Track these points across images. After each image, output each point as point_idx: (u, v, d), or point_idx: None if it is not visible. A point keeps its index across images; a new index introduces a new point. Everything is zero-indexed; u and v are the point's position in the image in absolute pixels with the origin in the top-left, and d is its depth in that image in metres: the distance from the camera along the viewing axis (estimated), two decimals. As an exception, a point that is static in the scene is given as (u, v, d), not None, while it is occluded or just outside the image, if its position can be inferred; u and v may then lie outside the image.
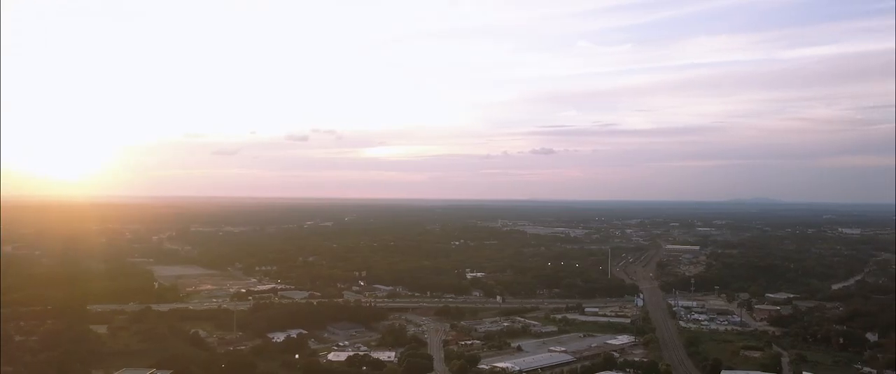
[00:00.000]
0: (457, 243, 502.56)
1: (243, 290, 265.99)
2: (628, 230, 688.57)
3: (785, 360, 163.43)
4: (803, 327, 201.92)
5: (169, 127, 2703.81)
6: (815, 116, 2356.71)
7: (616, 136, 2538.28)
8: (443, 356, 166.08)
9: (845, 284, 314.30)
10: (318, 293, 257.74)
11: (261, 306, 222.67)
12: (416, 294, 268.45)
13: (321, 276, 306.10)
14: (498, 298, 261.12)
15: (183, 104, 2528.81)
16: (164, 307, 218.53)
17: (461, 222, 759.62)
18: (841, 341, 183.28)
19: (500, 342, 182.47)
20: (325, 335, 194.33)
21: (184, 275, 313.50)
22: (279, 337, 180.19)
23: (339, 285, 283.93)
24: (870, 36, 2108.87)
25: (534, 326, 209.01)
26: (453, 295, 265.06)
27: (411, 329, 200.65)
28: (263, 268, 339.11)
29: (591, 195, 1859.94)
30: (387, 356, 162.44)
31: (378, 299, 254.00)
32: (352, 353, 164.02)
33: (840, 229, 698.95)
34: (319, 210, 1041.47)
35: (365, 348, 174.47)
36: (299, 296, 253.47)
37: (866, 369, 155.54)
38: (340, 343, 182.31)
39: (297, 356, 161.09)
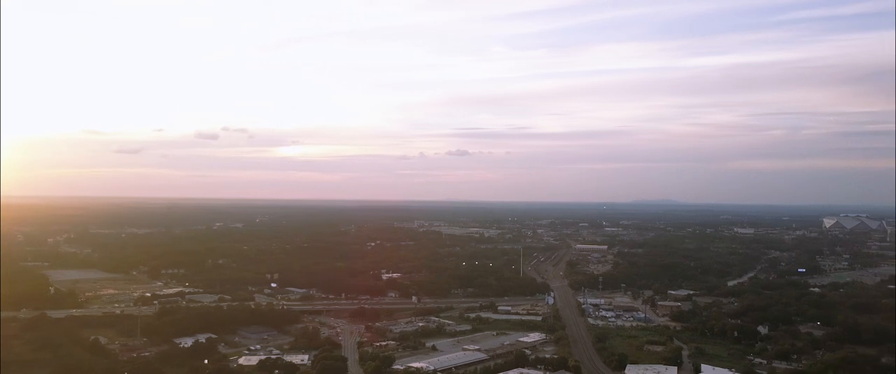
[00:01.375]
0: (372, 244, 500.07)
1: (148, 294, 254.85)
2: (540, 230, 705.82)
3: (685, 353, 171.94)
4: (702, 321, 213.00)
5: (65, 122, 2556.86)
6: (713, 122, 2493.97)
7: (529, 139, 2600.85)
8: (357, 357, 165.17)
9: (740, 280, 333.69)
10: (228, 297, 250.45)
11: (167, 311, 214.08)
12: (331, 296, 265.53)
13: (231, 279, 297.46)
14: (413, 298, 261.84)
15: (81, 98, 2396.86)
16: (60, 314, 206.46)
17: (377, 223, 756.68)
18: (736, 334, 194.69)
19: (415, 343, 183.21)
20: (236, 339, 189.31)
21: (83, 279, 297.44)
22: (187, 342, 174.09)
23: (250, 289, 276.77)
24: (765, 48, 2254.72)
25: (448, 325, 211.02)
26: (369, 297, 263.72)
27: (325, 332, 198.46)
28: (170, 271, 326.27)
29: (506, 196, 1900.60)
30: (300, 359, 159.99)
31: (291, 302, 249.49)
32: (264, 357, 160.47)
33: (735, 229, 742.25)
34: (230, 211, 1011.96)
35: (277, 351, 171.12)
36: (208, 300, 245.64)
37: (758, 359, 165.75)
38: (252, 347, 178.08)
39: (206, 361, 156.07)
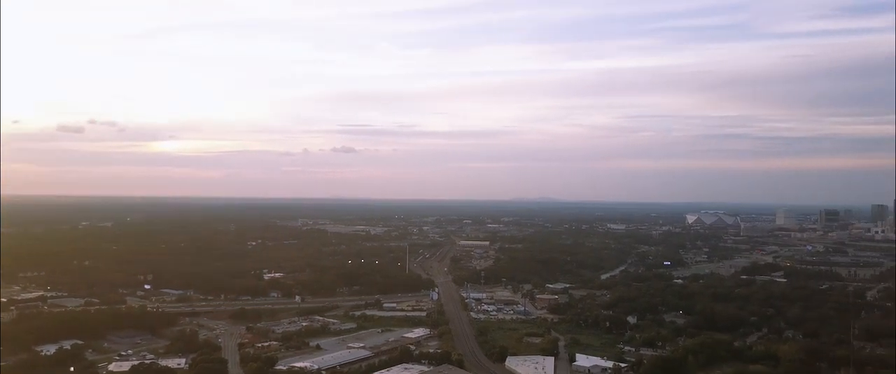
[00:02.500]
0: (254, 243, 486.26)
1: (4, 299, 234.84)
2: (426, 228, 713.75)
3: (561, 344, 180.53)
4: (577, 313, 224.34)
5: None
6: (590, 123, 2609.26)
7: (416, 137, 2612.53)
8: (238, 359, 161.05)
9: (612, 273, 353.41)
10: (97, 300, 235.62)
11: (26, 317, 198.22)
12: (210, 298, 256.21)
13: (100, 281, 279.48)
14: (297, 298, 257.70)
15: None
16: None
17: (259, 222, 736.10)
18: (608, 324, 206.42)
19: (298, 342, 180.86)
20: (105, 345, 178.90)
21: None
22: (50, 350, 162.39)
23: (121, 291, 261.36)
24: (638, 53, 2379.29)
25: (333, 324, 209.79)
26: (250, 297, 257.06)
27: (204, 334, 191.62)
28: (29, 274, 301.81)
29: (392, 194, 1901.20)
30: (177, 363, 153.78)
31: (166, 305, 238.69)
32: (136, 362, 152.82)
33: (609, 225, 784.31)
34: (98, 209, 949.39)
35: (152, 356, 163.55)
36: (74, 304, 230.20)
37: (627, 348, 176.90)
38: (123, 352, 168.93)
39: (72, 368, 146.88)
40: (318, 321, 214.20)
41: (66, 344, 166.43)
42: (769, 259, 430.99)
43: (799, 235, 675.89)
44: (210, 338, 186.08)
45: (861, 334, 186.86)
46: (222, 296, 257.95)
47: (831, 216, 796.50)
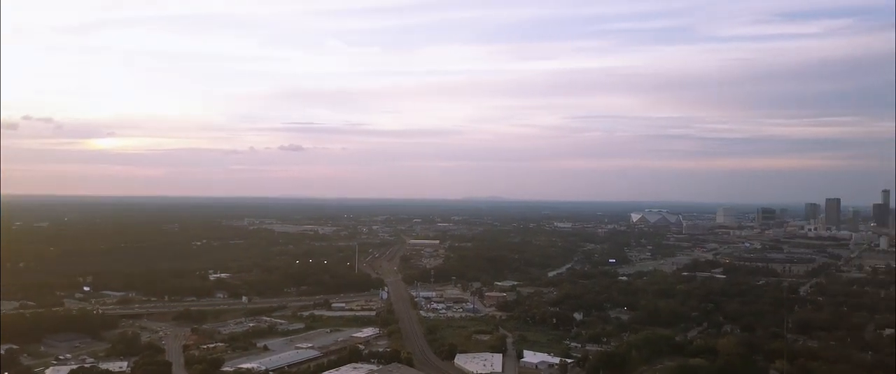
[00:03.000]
0: (199, 243, 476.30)
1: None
2: (375, 227, 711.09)
3: (509, 341, 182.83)
4: (525, 310, 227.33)
5: None
6: (538, 123, 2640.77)
7: (365, 135, 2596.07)
8: (183, 361, 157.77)
9: (559, 271, 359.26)
10: (32, 303, 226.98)
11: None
12: (153, 299, 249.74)
13: (35, 283, 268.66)
14: (244, 298, 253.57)
15: None
16: None
17: (204, 221, 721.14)
18: (554, 321, 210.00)
19: (245, 343, 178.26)
20: (42, 348, 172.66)
21: None
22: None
23: (58, 294, 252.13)
24: (584, 55, 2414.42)
25: (281, 324, 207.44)
26: (195, 298, 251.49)
27: (146, 336, 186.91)
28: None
29: (342, 193, 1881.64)
30: (118, 366, 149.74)
31: (107, 307, 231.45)
32: (75, 366, 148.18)
33: (556, 224, 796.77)
34: (33, 208, 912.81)
35: (92, 359, 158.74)
36: (7, 307, 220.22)
37: (573, 344, 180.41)
38: (61, 356, 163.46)
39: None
40: (266, 321, 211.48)
41: (0, 349, 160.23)
42: (710, 256, 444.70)
43: (738, 232, 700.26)
44: (153, 340, 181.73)
45: (794, 327, 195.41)
46: (166, 297, 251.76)
47: (768, 215, 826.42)
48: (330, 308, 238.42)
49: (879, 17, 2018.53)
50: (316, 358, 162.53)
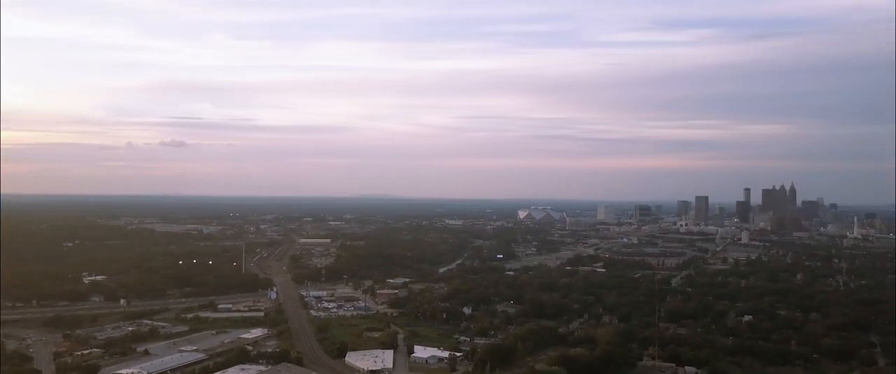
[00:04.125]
0: (71, 244, 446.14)
1: None
2: (263, 226, 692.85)
3: (400, 337, 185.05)
4: (416, 307, 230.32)
5: None
6: (429, 122, 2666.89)
7: (252, 131, 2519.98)
8: (54, 369, 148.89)
9: (449, 267, 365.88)
10: None
11: None
12: (19, 304, 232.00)
13: None
14: (122, 301, 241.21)
15: None
16: None
17: (76, 221, 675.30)
18: (444, 316, 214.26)
19: (124, 348, 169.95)
20: None
21: None
22: None
23: None
24: (473, 56, 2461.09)
25: (163, 327, 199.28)
26: (68, 302, 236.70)
27: (12, 344, 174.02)
28: None
29: (228, 190, 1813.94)
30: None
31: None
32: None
33: (447, 221, 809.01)
34: None
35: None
36: None
37: (462, 338, 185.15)
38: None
39: None
40: (147, 324, 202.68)
41: None
42: (591, 251, 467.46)
43: (617, 228, 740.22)
44: (20, 348, 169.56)
45: (666, 316, 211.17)
46: (34, 302, 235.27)
47: (644, 212, 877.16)
48: (216, 310, 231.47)
49: (742, 29, 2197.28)
50: (201, 361, 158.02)
